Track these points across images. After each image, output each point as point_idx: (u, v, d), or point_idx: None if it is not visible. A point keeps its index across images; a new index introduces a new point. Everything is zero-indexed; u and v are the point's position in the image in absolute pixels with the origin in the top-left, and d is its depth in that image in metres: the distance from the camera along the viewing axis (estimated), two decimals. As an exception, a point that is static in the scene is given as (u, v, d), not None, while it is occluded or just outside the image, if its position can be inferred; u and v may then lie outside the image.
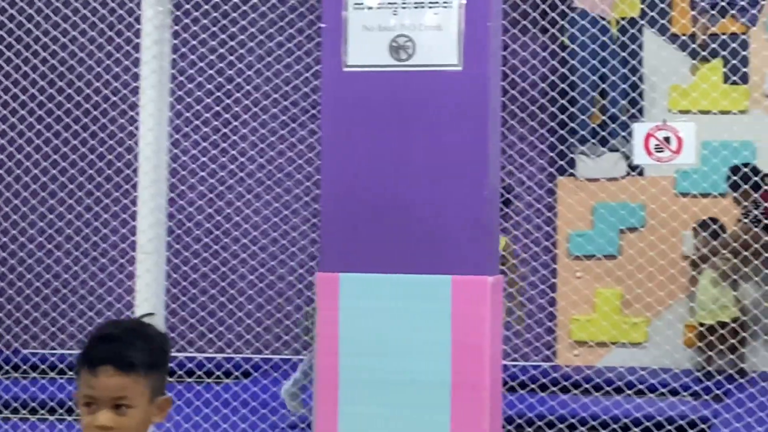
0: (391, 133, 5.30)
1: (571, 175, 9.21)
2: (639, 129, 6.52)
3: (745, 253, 8.10)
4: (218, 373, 8.63)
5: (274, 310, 8.84)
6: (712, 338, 7.97)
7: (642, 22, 8.84)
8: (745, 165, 8.26)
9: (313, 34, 8.20)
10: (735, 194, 8.39)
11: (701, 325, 8.19)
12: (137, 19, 6.12)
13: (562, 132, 8.01)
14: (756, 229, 8.13)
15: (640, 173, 9.16)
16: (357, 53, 5.30)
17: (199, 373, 8.49)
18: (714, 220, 8.52)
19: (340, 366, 5.32)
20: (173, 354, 9.24)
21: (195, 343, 9.17)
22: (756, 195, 8.29)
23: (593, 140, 8.87)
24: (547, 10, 7.78)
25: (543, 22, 7.71)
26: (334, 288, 5.31)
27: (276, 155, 9.23)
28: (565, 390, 7.66)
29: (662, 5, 7.91)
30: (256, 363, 8.69)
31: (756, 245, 8.01)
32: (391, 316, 5.25)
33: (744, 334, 8.13)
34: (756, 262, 8.13)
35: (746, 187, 8.10)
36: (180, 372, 8.31)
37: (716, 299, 8.24)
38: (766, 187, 8.55)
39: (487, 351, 5.21)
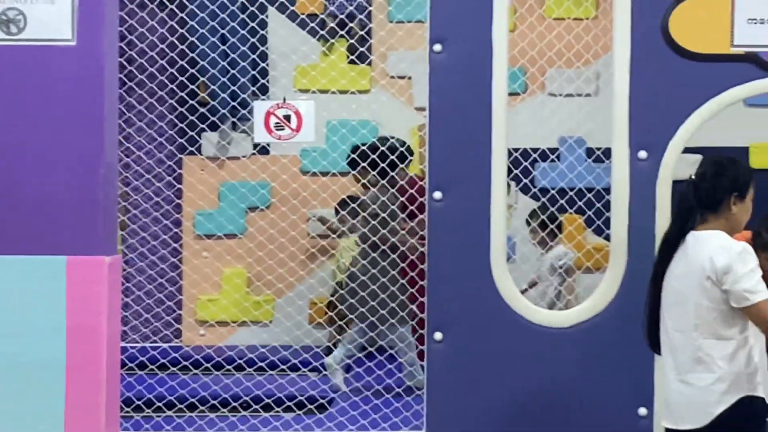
0: (1, 110, 5.10)
1: (194, 153, 9.16)
2: (259, 107, 6.51)
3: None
4: None
5: None
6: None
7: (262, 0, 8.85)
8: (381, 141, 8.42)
9: None
10: (353, 172, 8.54)
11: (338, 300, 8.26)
12: None
13: (183, 110, 7.92)
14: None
15: (265, 152, 9.21)
16: (-38, 25, 5.07)
17: None
18: (353, 199, 8.63)
19: (-53, 351, 5.10)
20: None
21: None
22: (373, 173, 8.44)
23: (215, 118, 8.82)
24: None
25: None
26: (-59, 270, 5.09)
27: None
28: (188, 370, 7.61)
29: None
30: None
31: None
32: (2, 298, 5.08)
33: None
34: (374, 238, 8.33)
35: (364, 165, 8.19)
36: None
37: None
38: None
39: (104, 332, 5.12)
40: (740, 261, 4.66)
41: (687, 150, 8.82)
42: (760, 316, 4.62)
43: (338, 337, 8.13)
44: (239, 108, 9.05)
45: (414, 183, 7.87)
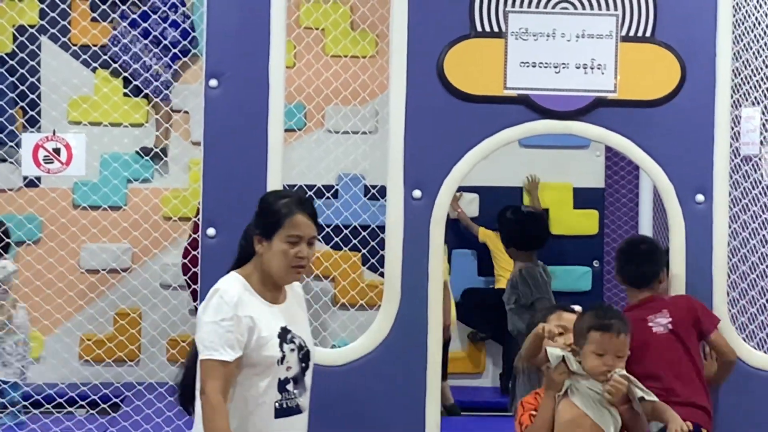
0: None
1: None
2: (27, 139, 6.34)
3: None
4: None
5: None
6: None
7: (33, 30, 8.60)
8: None
9: None
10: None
11: None
12: None
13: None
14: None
15: (35, 185, 8.95)
16: None
17: None
18: None
19: None
20: None
21: None
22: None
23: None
24: None
25: None
26: None
27: None
28: None
29: (57, 14, 7.73)
30: None
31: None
32: None
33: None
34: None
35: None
36: None
37: None
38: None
39: None
40: (207, 308, 4.33)
41: (463, 189, 9.03)
42: (201, 371, 4.30)
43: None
44: (6, 140, 8.77)
45: None
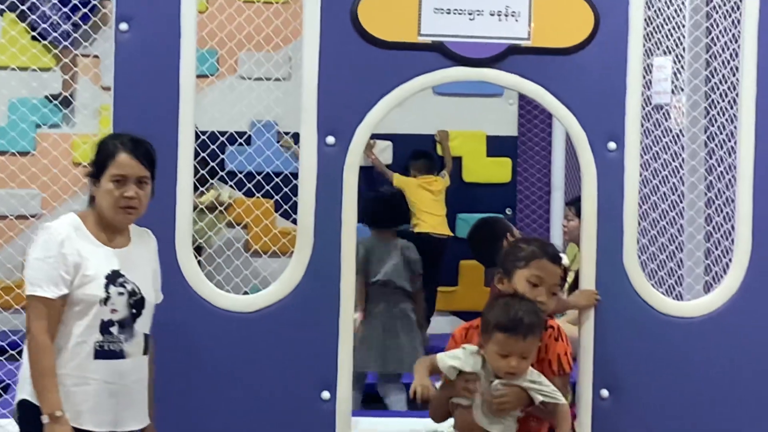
0: None
1: None
2: (-69, 82, 6.23)
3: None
4: None
5: None
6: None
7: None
8: None
9: None
10: None
11: None
12: None
13: None
14: None
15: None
16: None
17: None
18: None
19: None
20: None
21: None
22: None
23: None
24: None
25: None
26: None
27: None
28: None
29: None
30: None
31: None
32: None
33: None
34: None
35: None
36: None
37: None
38: None
39: None
40: (35, 245, 4.45)
41: (377, 136, 9.01)
42: (27, 309, 4.37)
43: None
44: None
45: None
